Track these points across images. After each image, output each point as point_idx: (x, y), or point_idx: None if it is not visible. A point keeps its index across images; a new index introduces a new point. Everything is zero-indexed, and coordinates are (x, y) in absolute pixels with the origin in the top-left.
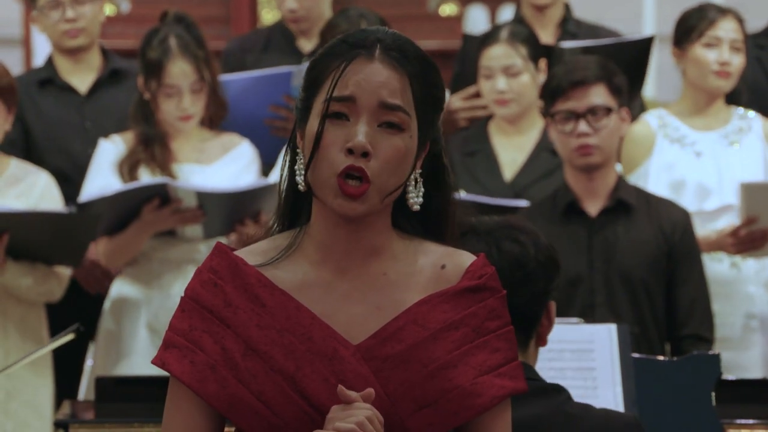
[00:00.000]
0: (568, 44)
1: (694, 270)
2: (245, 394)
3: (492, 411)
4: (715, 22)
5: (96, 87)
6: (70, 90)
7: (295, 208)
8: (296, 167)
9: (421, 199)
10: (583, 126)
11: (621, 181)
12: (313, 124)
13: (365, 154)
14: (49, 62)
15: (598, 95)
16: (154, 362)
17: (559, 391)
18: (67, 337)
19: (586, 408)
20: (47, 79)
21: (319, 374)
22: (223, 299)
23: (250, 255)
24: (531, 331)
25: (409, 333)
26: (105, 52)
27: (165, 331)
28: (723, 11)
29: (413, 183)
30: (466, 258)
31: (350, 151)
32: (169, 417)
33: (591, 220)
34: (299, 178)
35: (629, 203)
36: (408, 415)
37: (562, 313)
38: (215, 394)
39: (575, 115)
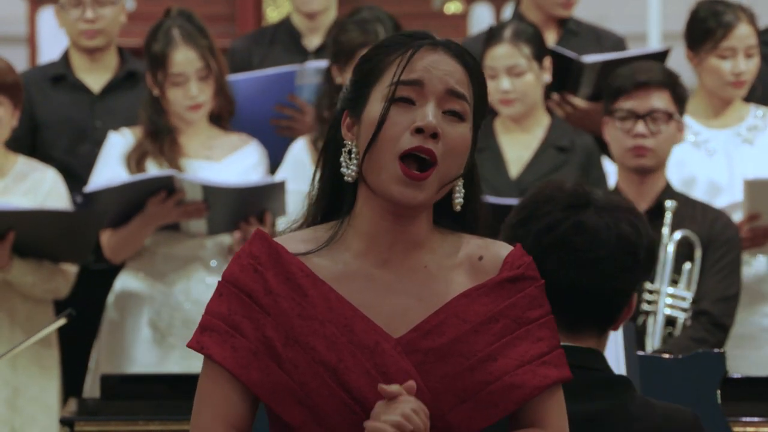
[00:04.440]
0: (589, 58)
1: (726, 257)
2: (289, 383)
3: (541, 398)
4: (729, 31)
5: (110, 87)
6: (83, 88)
7: (334, 200)
8: (342, 159)
9: (463, 200)
10: (641, 127)
11: (668, 187)
12: (373, 109)
13: (435, 135)
14: (65, 58)
15: (661, 99)
16: (190, 345)
17: (624, 385)
18: (59, 322)
19: (648, 406)
20: (61, 75)
21: (360, 367)
22: (263, 286)
23: (292, 243)
24: (615, 318)
25: (450, 326)
26: (122, 53)
27: (202, 315)
28: (737, 13)
29: (458, 182)
30: (503, 249)
31: (418, 131)
32: (201, 405)
33: None
34: (348, 169)
35: (666, 207)
36: (449, 409)
37: None
38: (259, 381)
39: (635, 116)
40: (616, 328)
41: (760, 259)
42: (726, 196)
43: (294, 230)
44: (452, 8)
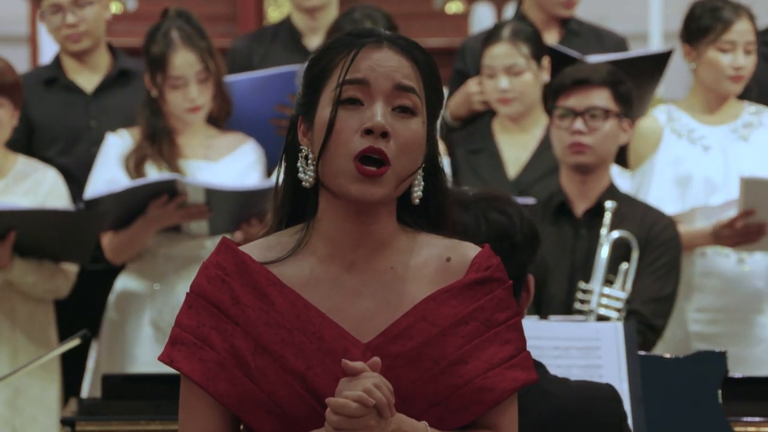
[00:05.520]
0: (593, 58)
1: (662, 258)
2: (257, 393)
3: (499, 406)
4: (729, 25)
5: (103, 87)
6: (76, 89)
7: (297, 205)
8: (299, 164)
9: (421, 193)
10: (579, 124)
11: (611, 187)
12: (323, 112)
13: (384, 134)
14: (56, 61)
15: (600, 97)
16: (161, 359)
17: (537, 366)
18: (74, 342)
19: (563, 383)
20: (53, 78)
21: (330, 374)
22: (230, 296)
23: (256, 251)
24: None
25: (419, 330)
26: (114, 52)
27: (171, 328)
28: (736, 10)
29: (417, 176)
30: (471, 250)
31: (367, 132)
32: (183, 416)
33: (577, 220)
34: (305, 175)
35: (605, 208)
36: (420, 413)
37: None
38: (226, 392)
39: (573, 113)
40: (521, 315)
41: (757, 258)
42: (721, 193)
43: (260, 237)
44: (453, 8)
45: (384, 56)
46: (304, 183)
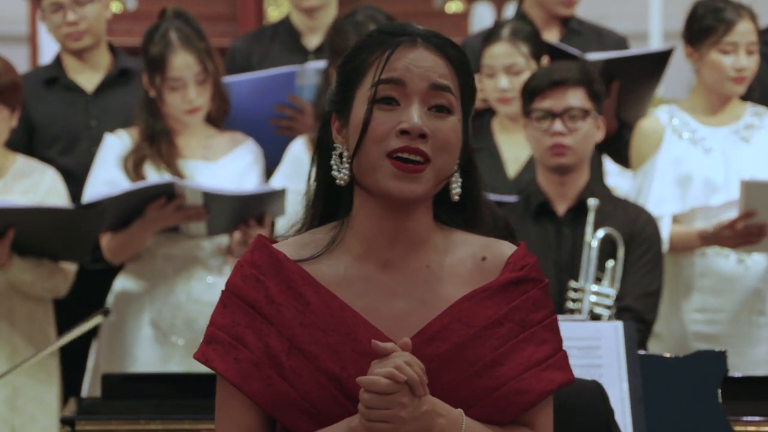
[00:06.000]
0: (593, 56)
1: (647, 253)
2: (290, 393)
3: (536, 406)
4: (731, 26)
5: (103, 86)
6: (76, 89)
7: (330, 202)
8: (332, 162)
9: (460, 190)
10: (558, 125)
11: (590, 184)
12: (359, 111)
13: (422, 136)
14: (57, 60)
15: (576, 97)
16: (196, 357)
17: None
18: (97, 320)
19: None
20: (53, 77)
21: (364, 375)
22: (265, 295)
23: (291, 249)
24: None
25: (454, 332)
26: (114, 51)
27: (207, 326)
28: (738, 11)
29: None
30: (507, 249)
31: (403, 133)
32: (220, 415)
33: (559, 219)
34: (340, 173)
35: (588, 206)
36: None
37: None
38: (260, 392)
39: (552, 115)
40: None
41: (757, 258)
42: (722, 194)
43: (293, 234)
44: (453, 7)
45: (419, 55)
46: (338, 181)
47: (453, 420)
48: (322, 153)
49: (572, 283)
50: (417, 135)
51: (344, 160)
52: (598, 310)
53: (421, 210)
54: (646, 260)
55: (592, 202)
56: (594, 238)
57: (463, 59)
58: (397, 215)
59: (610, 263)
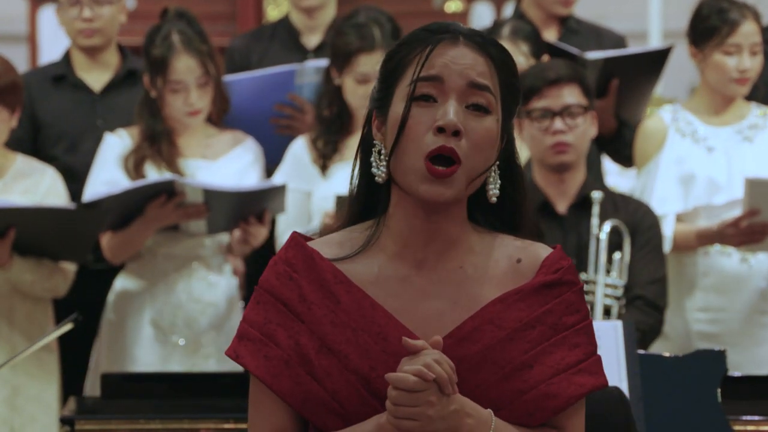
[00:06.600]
0: (592, 55)
1: (650, 242)
2: (319, 392)
3: (567, 409)
4: (735, 28)
5: (111, 86)
6: (84, 87)
7: (370, 200)
8: (372, 159)
9: (498, 191)
10: (559, 123)
11: (588, 180)
12: (396, 108)
13: (456, 133)
14: (66, 58)
15: (573, 95)
16: (227, 353)
17: None
18: (66, 327)
19: None
20: (62, 75)
21: None
22: (298, 293)
23: (326, 247)
24: None
25: (485, 334)
26: (123, 52)
27: (240, 322)
28: (742, 11)
29: (491, 174)
30: (542, 251)
31: (440, 131)
32: (253, 412)
33: (561, 217)
34: (378, 170)
35: (593, 200)
36: None
37: None
38: (289, 390)
39: (551, 113)
40: None
41: (760, 257)
42: (725, 193)
43: (332, 231)
44: (453, 7)
45: (459, 53)
46: (377, 178)
47: (482, 420)
48: (364, 151)
49: (582, 276)
50: (451, 132)
51: (382, 157)
52: (607, 301)
53: (456, 211)
54: (649, 249)
55: (597, 195)
56: (602, 230)
57: (506, 59)
58: (431, 216)
59: (617, 255)
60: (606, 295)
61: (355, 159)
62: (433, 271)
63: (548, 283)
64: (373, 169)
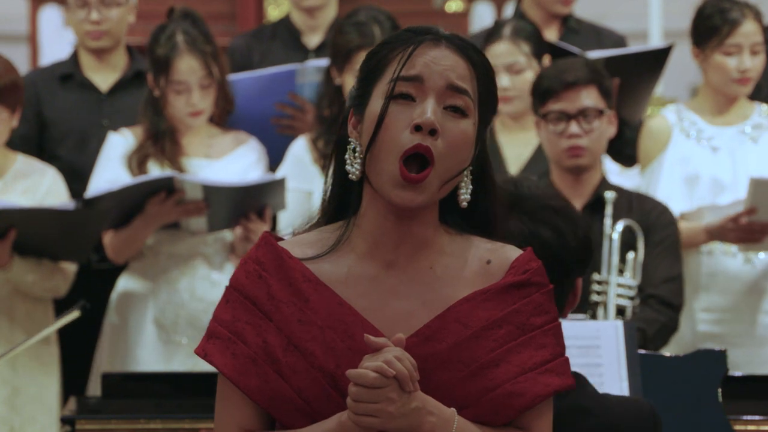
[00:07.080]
0: (593, 54)
1: (665, 241)
2: (286, 390)
3: (533, 409)
4: (735, 28)
5: (118, 86)
6: (91, 87)
7: (342, 199)
8: (347, 156)
9: (469, 196)
10: (574, 127)
11: (604, 181)
12: (374, 106)
13: (433, 132)
14: (74, 57)
15: (589, 97)
16: (196, 352)
17: (576, 379)
18: (73, 315)
19: (602, 400)
20: (69, 74)
21: None
22: (266, 292)
23: (297, 247)
24: (561, 307)
25: (451, 332)
26: (131, 53)
27: (209, 321)
28: (743, 11)
29: (464, 179)
30: (512, 252)
31: (417, 129)
32: (219, 408)
33: None
34: (352, 167)
35: (606, 200)
36: None
37: None
38: (257, 388)
39: (567, 116)
40: (564, 315)
41: (763, 258)
42: (729, 193)
43: (304, 231)
44: (453, 6)
45: (440, 54)
46: (350, 176)
47: (444, 419)
48: (338, 150)
49: (595, 276)
50: (428, 131)
51: (357, 155)
52: (620, 302)
53: (428, 214)
54: (664, 247)
55: (610, 195)
56: (614, 230)
57: (486, 65)
58: (403, 218)
59: (630, 255)
60: (619, 296)
61: (330, 159)
62: (402, 272)
63: (516, 284)
64: (347, 167)
